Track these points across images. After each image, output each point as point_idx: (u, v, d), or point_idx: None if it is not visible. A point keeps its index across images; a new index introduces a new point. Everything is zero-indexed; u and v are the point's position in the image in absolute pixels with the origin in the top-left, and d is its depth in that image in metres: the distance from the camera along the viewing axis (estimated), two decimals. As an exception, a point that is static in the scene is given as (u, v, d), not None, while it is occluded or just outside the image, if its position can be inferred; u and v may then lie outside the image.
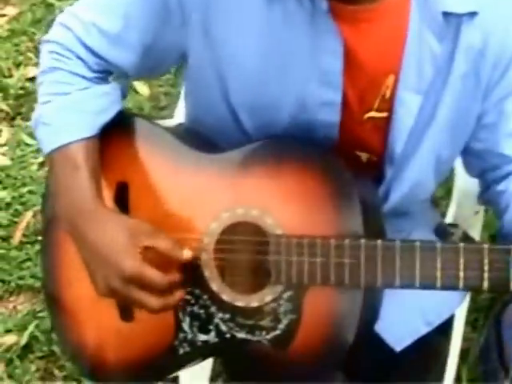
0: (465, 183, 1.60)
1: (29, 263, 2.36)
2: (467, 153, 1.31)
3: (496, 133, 1.25)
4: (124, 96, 1.34)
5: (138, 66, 1.27)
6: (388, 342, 1.34)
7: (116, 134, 1.29)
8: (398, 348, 1.34)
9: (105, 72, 1.29)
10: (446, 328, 1.45)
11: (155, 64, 1.30)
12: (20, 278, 2.33)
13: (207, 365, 1.78)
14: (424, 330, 1.37)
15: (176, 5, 1.17)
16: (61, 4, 3.08)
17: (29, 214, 2.49)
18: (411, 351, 1.35)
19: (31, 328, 2.19)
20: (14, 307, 2.30)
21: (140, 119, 1.33)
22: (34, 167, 2.65)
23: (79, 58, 1.26)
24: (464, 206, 1.66)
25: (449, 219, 1.69)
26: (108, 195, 1.27)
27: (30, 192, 2.56)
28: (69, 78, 1.26)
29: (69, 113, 1.24)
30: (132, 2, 1.21)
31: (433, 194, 1.44)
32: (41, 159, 2.65)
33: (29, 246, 2.41)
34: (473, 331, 2.01)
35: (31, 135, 2.72)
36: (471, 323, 1.98)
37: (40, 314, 2.23)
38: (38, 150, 2.67)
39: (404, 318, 1.35)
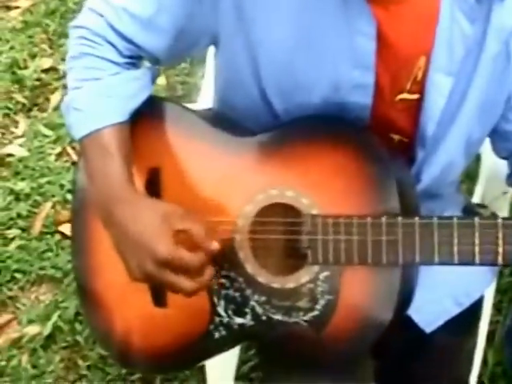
0: (492, 164, 1.61)
1: (49, 253, 2.38)
2: (496, 134, 1.31)
3: None
4: (154, 81, 1.33)
5: (170, 51, 1.27)
6: (418, 323, 1.34)
7: (147, 119, 1.29)
8: (429, 330, 1.35)
9: (135, 57, 1.29)
10: (475, 309, 1.45)
11: (186, 48, 1.30)
12: (41, 269, 2.34)
13: (232, 364, 1.79)
14: (455, 310, 1.37)
15: None
16: (74, -5, 3.09)
17: (48, 205, 2.50)
18: (441, 333, 1.35)
19: (54, 318, 2.20)
20: (37, 297, 2.31)
21: (170, 104, 1.33)
22: (52, 158, 2.66)
23: (109, 43, 1.25)
24: (491, 186, 1.66)
25: (476, 199, 1.69)
26: (140, 181, 1.27)
27: (49, 183, 2.57)
28: (99, 64, 1.25)
29: (100, 98, 1.24)
30: None
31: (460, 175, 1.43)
32: (58, 150, 2.66)
33: (49, 236, 2.43)
34: (497, 314, 2.01)
35: (48, 126, 2.73)
36: (495, 305, 1.98)
37: (62, 304, 2.25)
38: (56, 141, 2.69)
39: (434, 299, 1.35)
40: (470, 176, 1.96)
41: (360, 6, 1.12)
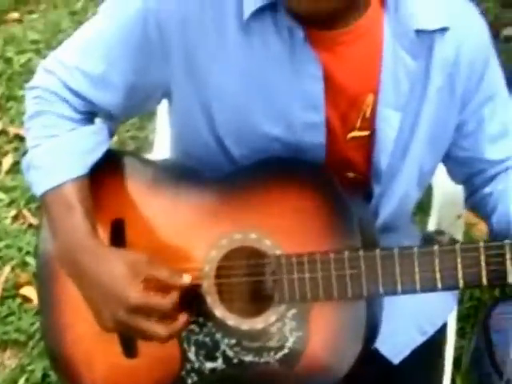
0: (444, 191, 1.65)
1: (12, 317, 2.35)
2: (452, 161, 1.36)
3: (478, 140, 1.30)
4: (112, 135, 1.35)
5: (123, 107, 1.30)
6: (386, 354, 1.35)
7: (107, 172, 1.31)
8: (396, 360, 1.36)
9: (91, 113, 1.31)
10: (440, 337, 1.48)
11: (140, 103, 1.32)
12: (4, 333, 2.31)
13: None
14: (420, 339, 1.40)
15: (157, 41, 1.20)
16: (19, 58, 3.10)
17: (7, 269, 2.49)
18: (408, 363, 1.37)
19: (21, 382, 2.17)
20: (1, 363, 2.27)
21: (129, 156, 1.36)
22: (8, 221, 2.65)
23: (64, 100, 1.28)
24: (446, 212, 1.70)
25: (431, 227, 1.73)
26: (104, 232, 1.29)
27: (7, 246, 2.55)
28: (55, 121, 1.28)
29: (58, 154, 1.26)
30: (113, 43, 1.23)
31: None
32: (13, 212, 2.66)
33: (10, 300, 2.40)
34: (461, 339, 2.04)
35: (1, 189, 2.73)
36: (459, 332, 2.01)
37: (29, 368, 2.22)
38: (10, 204, 2.69)
39: (399, 329, 1.37)
40: (422, 208, 2.00)
41: (306, 50, 1.16)
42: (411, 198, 1.35)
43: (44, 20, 4.57)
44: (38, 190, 1.26)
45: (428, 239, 1.46)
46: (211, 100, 1.22)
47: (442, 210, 1.72)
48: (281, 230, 1.20)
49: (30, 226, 2.59)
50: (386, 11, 1.18)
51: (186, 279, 1.19)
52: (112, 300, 1.17)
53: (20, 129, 2.87)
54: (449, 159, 1.35)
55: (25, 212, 2.67)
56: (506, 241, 1.12)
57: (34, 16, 4.59)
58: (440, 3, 1.21)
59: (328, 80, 1.18)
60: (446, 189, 1.59)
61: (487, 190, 1.34)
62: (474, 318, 2.11)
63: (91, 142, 1.28)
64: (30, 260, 2.46)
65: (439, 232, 1.51)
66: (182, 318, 1.19)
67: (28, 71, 3.41)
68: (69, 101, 1.28)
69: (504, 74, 1.31)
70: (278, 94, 1.20)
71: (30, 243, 2.50)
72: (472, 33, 1.24)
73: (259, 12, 1.15)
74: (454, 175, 1.42)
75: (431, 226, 1.74)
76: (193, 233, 1.26)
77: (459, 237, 1.73)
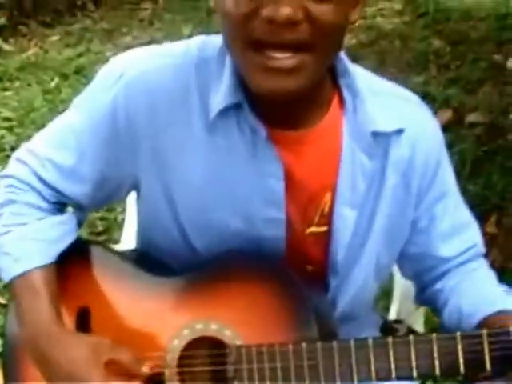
0: (404, 281, 1.67)
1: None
2: (403, 256, 1.40)
3: (430, 236, 1.35)
4: (80, 224, 1.39)
5: (92, 198, 1.34)
6: None
7: (74, 260, 1.34)
8: None
9: (60, 203, 1.35)
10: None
11: (109, 194, 1.36)
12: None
13: None
14: None
15: (126, 134, 1.25)
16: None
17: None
18: None
19: None
20: None
21: (96, 246, 1.40)
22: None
23: (35, 190, 1.31)
24: (405, 302, 1.72)
25: (392, 316, 1.76)
26: (70, 320, 1.31)
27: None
28: (25, 210, 1.31)
29: (27, 242, 1.29)
30: (84, 136, 1.28)
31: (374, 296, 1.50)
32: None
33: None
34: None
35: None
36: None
37: None
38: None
39: None
40: (386, 293, 2.04)
41: (267, 150, 1.22)
42: (369, 289, 1.39)
43: (17, 98, 4.64)
44: (7, 275, 1.29)
45: (387, 328, 1.49)
46: (176, 192, 1.27)
47: (402, 300, 1.75)
48: (241, 320, 1.24)
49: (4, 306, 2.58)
50: (345, 114, 1.25)
51: (145, 370, 1.22)
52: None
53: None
54: (401, 255, 1.39)
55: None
56: (458, 333, 1.16)
57: (8, 93, 4.66)
58: (395, 106, 1.28)
59: (289, 178, 1.24)
60: (406, 280, 1.62)
61: (438, 286, 1.39)
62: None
63: (59, 232, 1.31)
64: (2, 342, 2.43)
65: (398, 321, 1.55)
66: None
67: (0, 148, 3.46)
68: (39, 191, 1.32)
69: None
70: (240, 190, 1.24)
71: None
72: (425, 134, 1.31)
73: (224, 111, 1.21)
74: (404, 271, 1.47)
75: (392, 313, 1.77)
76: (156, 322, 1.28)
77: (419, 326, 1.75)
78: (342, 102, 1.26)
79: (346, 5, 1.12)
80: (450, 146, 4.10)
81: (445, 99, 4.39)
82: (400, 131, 1.26)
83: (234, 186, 1.25)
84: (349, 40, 5.49)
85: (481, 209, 3.25)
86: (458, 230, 1.37)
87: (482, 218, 3.19)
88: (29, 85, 4.90)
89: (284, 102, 1.17)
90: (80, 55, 5.36)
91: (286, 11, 1.04)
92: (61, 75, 4.92)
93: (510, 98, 4.48)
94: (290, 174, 1.24)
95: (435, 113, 4.53)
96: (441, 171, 1.33)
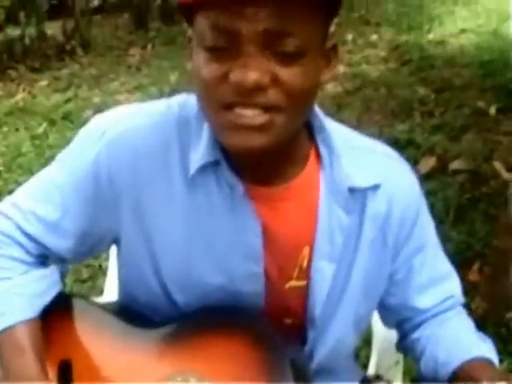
0: (383, 336, 1.69)
1: None
2: (383, 307, 1.42)
3: (407, 288, 1.37)
4: (63, 277, 1.40)
5: (75, 251, 1.35)
6: None
7: (57, 314, 1.35)
8: None
9: (43, 256, 1.36)
10: None
11: (91, 248, 1.38)
12: None
13: None
14: None
15: (108, 191, 1.27)
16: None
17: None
18: None
19: None
20: None
21: (78, 299, 1.40)
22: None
23: (18, 243, 1.32)
24: (384, 357, 1.73)
25: (371, 370, 1.77)
26: (52, 372, 1.31)
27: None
28: (9, 264, 1.32)
29: (10, 296, 1.30)
30: (67, 191, 1.30)
31: (354, 348, 1.51)
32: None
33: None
34: None
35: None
36: None
37: None
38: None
39: None
40: (369, 342, 2.06)
41: (245, 206, 1.24)
42: (348, 341, 1.40)
43: (5, 142, 4.66)
44: None
45: (366, 382, 1.51)
46: (157, 248, 1.28)
47: (381, 354, 1.75)
48: (220, 373, 1.24)
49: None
50: (323, 169, 1.27)
51: None
52: None
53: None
54: (380, 305, 1.41)
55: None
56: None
57: (-5, 139, 4.69)
58: (372, 161, 1.31)
59: (267, 233, 1.26)
60: (384, 334, 1.64)
61: (415, 335, 1.40)
62: None
63: (42, 286, 1.32)
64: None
65: (377, 376, 1.56)
66: None
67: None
68: (23, 244, 1.33)
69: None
70: (219, 245, 1.26)
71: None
72: (402, 188, 1.33)
73: (203, 168, 1.23)
74: (385, 320, 1.49)
75: (371, 368, 1.78)
76: (137, 374, 1.29)
77: (398, 382, 1.76)
78: (319, 157, 1.28)
79: (316, 67, 1.14)
80: (433, 193, 4.17)
81: (429, 146, 4.44)
82: (376, 186, 1.28)
83: (213, 242, 1.27)
84: (334, 88, 5.57)
85: (464, 256, 3.28)
86: (435, 282, 1.39)
87: (465, 265, 3.24)
88: (17, 130, 4.93)
89: (258, 159, 1.20)
90: (68, 101, 5.43)
91: (253, 76, 1.06)
92: (49, 121, 4.97)
93: (494, 144, 4.53)
94: (268, 230, 1.26)
95: (419, 160, 4.61)
96: (419, 224, 1.35)
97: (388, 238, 1.32)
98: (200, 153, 1.23)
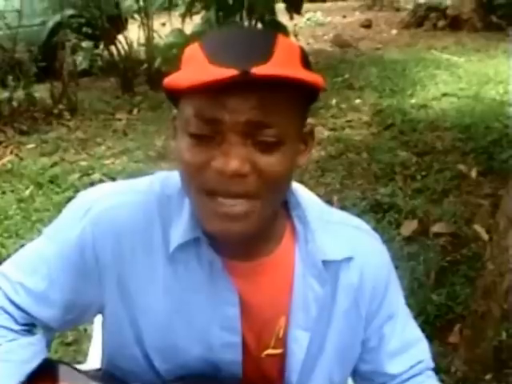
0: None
1: None
2: (357, 373, 1.47)
3: (379, 354, 1.43)
4: (49, 344, 1.44)
5: (61, 321, 1.39)
6: None
7: (43, 379, 1.37)
8: None
9: (31, 324, 1.40)
10: None
11: (76, 317, 1.42)
12: None
13: None
14: None
15: (93, 265, 1.32)
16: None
17: None
18: None
19: None
20: None
21: (63, 366, 1.43)
22: None
23: (6, 312, 1.37)
24: None
25: None
26: None
27: None
28: None
29: None
30: (54, 264, 1.35)
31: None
32: None
33: None
34: None
35: None
36: None
37: None
38: None
39: None
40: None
41: (224, 279, 1.30)
42: None
43: (-8, 205, 4.68)
44: None
45: None
46: (140, 320, 1.33)
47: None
48: None
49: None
50: (298, 244, 1.34)
51: None
52: None
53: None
54: (354, 372, 1.46)
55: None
56: None
57: (-20, 201, 4.72)
58: (345, 235, 1.37)
59: (244, 305, 1.31)
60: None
61: None
62: None
63: (29, 353, 1.36)
64: None
65: None
66: None
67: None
68: (10, 313, 1.37)
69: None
70: (198, 317, 1.31)
71: None
72: (373, 260, 1.39)
73: (184, 245, 1.29)
74: None
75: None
76: None
77: None
78: (294, 231, 1.35)
79: (294, 152, 1.20)
80: (415, 256, 4.21)
81: (410, 210, 4.51)
82: (349, 259, 1.35)
83: (193, 314, 1.32)
84: (317, 152, 5.64)
85: (445, 319, 3.32)
86: (405, 348, 1.44)
87: (445, 328, 3.28)
88: (3, 192, 4.96)
89: (236, 241, 1.25)
90: (54, 164, 5.48)
91: (233, 165, 1.12)
92: (35, 184, 5.00)
93: (474, 207, 4.61)
94: (245, 302, 1.31)
95: (401, 223, 4.65)
96: (389, 295, 1.41)
97: (361, 307, 1.38)
98: (181, 230, 1.29)
